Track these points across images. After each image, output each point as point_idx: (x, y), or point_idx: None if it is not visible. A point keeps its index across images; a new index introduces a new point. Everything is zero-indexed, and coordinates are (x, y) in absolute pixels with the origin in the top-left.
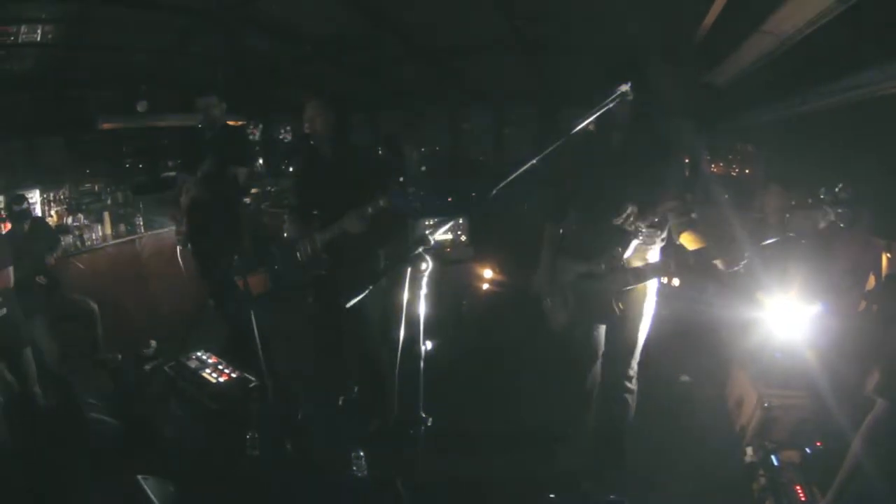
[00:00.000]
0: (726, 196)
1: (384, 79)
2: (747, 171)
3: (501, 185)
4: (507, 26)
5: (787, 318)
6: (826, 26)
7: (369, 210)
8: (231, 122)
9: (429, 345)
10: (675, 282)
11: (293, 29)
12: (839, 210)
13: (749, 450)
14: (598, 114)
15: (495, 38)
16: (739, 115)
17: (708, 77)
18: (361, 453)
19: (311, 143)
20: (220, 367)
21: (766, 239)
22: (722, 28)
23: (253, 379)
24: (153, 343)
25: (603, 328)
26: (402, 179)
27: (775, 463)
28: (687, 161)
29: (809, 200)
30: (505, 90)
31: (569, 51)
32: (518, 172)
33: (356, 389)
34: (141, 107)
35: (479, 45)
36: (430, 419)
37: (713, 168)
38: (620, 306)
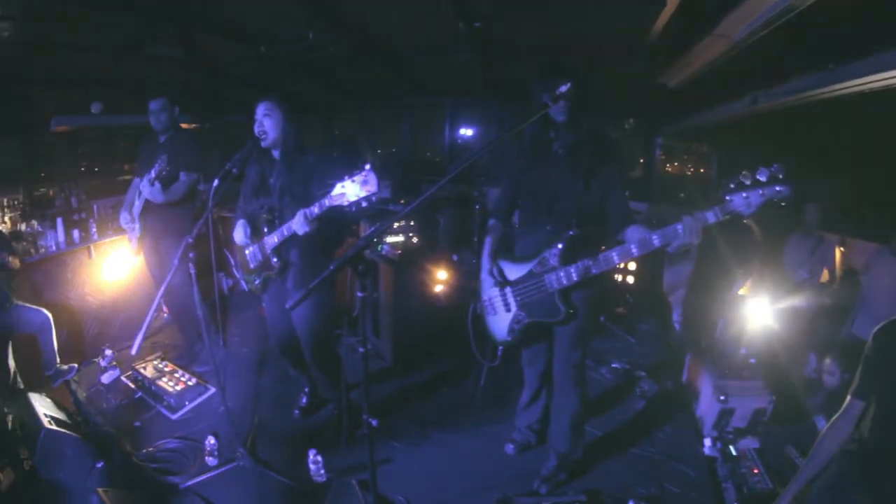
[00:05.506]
0: (682, 195)
1: (338, 79)
2: (702, 170)
3: (435, 188)
4: (463, 25)
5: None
6: (776, 31)
7: (317, 211)
8: (184, 125)
9: (371, 347)
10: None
11: (246, 29)
12: (777, 188)
13: (707, 441)
14: (538, 115)
15: (451, 37)
16: (693, 115)
17: (661, 78)
18: (319, 457)
19: (262, 144)
20: (177, 374)
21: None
22: (675, 31)
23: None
24: (108, 352)
25: (550, 327)
26: (352, 179)
27: (734, 453)
28: (641, 162)
29: (747, 182)
30: (460, 90)
31: (522, 50)
32: (451, 176)
33: (307, 390)
34: (95, 108)
35: (435, 45)
36: (377, 420)
37: (668, 168)
38: (563, 305)
